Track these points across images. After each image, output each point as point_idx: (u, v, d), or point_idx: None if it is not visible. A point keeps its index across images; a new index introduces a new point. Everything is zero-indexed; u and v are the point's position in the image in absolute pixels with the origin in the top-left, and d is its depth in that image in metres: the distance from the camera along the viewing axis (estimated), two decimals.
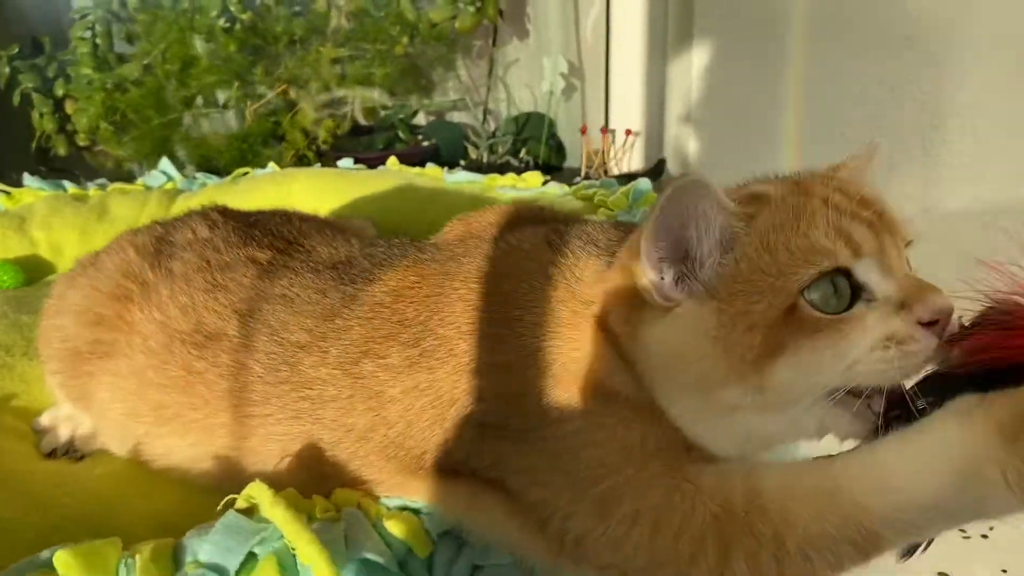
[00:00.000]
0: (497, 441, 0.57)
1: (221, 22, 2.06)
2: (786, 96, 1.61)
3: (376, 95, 2.09)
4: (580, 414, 0.55)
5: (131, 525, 0.65)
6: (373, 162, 1.53)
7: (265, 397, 0.66)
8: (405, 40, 2.06)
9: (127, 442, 0.75)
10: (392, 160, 1.51)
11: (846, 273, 0.51)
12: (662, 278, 0.53)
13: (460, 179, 1.38)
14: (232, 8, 2.06)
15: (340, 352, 0.64)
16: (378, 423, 0.61)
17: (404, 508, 0.59)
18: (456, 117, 2.42)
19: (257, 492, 0.56)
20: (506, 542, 0.58)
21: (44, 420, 0.84)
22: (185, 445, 0.71)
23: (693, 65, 1.62)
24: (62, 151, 2.14)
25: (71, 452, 0.81)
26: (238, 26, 2.07)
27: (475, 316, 0.60)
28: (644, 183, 1.18)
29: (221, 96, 2.13)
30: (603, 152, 1.97)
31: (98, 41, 2.08)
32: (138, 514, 0.67)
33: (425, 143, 2.24)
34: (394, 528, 0.57)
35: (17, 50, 2.09)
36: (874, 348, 0.50)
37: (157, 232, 0.82)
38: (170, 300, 0.73)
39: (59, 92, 2.10)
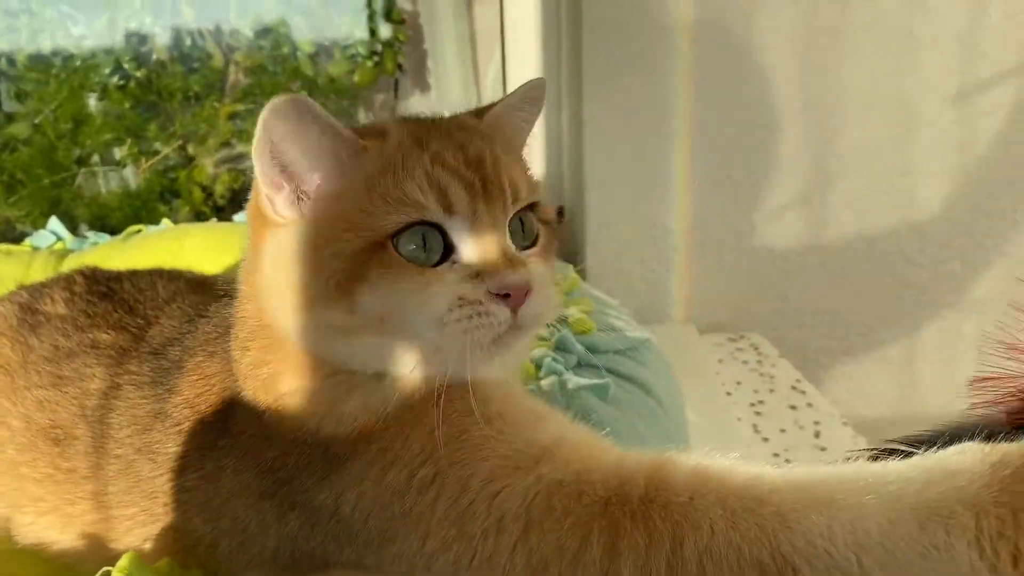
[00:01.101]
0: (316, 524, 0.54)
1: (115, 80, 2.03)
2: (675, 143, 1.67)
3: None
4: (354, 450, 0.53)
5: None
6: None
7: (124, 500, 0.63)
8: (303, 93, 2.06)
9: (16, 529, 0.71)
10: None
11: (439, 229, 0.52)
12: (279, 194, 0.54)
13: None
14: (126, 65, 2.04)
15: (166, 464, 0.61)
16: (219, 535, 0.58)
17: None
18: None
19: (129, 563, 0.54)
20: None
21: None
22: (68, 539, 0.67)
23: (584, 114, 1.67)
24: None
25: None
26: (132, 83, 2.05)
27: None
28: None
29: (116, 153, 2.09)
30: None
31: None
32: None
33: None
34: None
35: None
36: (451, 307, 0.51)
37: (22, 299, 0.79)
38: (28, 391, 0.70)
39: None
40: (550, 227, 0.60)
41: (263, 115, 0.51)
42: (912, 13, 1.60)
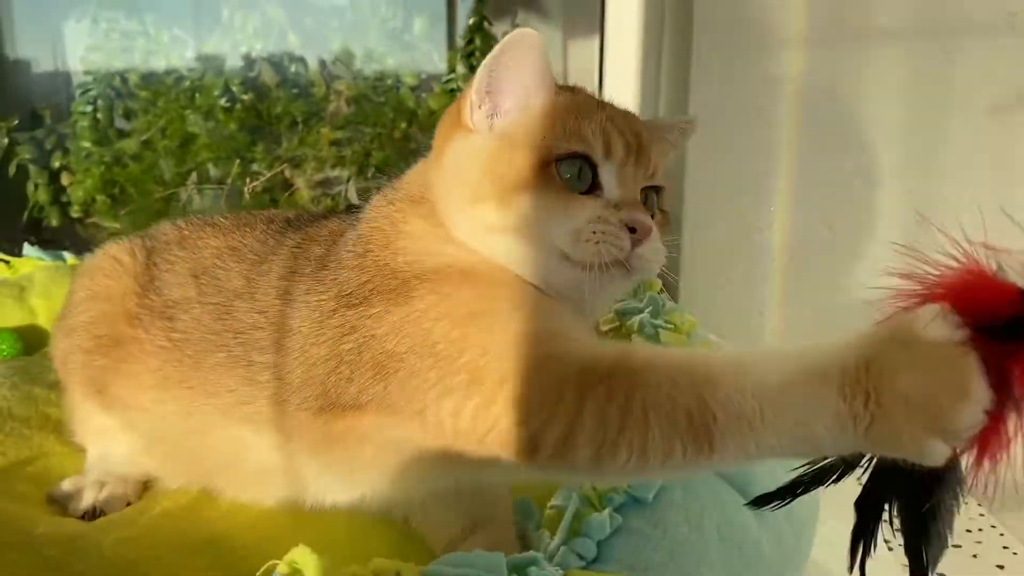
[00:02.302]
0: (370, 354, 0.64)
1: (222, 102, 2.10)
2: (776, 190, 1.67)
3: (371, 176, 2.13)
4: (421, 293, 0.64)
5: None
6: None
7: (216, 345, 0.76)
8: (403, 125, 2.11)
9: (127, 419, 0.83)
10: None
11: (593, 166, 0.65)
12: (480, 107, 0.68)
13: None
14: (234, 88, 2.11)
15: (261, 295, 0.75)
16: (293, 362, 0.69)
17: None
18: None
19: (300, 557, 0.56)
20: (414, 463, 0.66)
21: (66, 486, 0.84)
22: (172, 411, 0.79)
23: (686, 161, 1.69)
24: (55, 222, 2.14)
25: (97, 515, 0.80)
26: (239, 106, 2.11)
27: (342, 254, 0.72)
28: None
29: (219, 173, 2.15)
30: None
31: (99, 116, 2.11)
32: None
33: None
34: None
35: (17, 121, 2.11)
36: (589, 221, 0.63)
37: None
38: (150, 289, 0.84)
39: (55, 164, 2.12)
40: (667, 215, 0.73)
41: (511, 38, 0.64)
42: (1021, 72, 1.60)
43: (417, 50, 2.21)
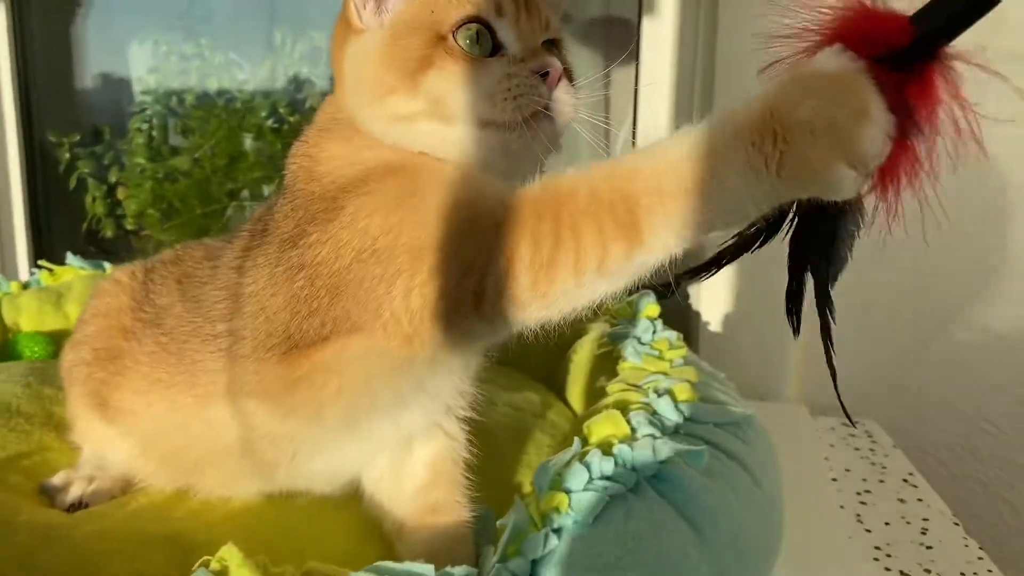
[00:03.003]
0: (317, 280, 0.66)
1: (269, 122, 2.18)
2: None
3: None
4: (349, 199, 0.65)
5: None
6: None
7: (190, 334, 0.81)
8: None
9: (124, 425, 0.88)
10: None
11: (489, 27, 0.66)
12: (365, 7, 0.69)
13: None
14: (281, 110, 2.19)
15: (221, 275, 0.80)
16: (255, 320, 0.72)
17: None
18: None
19: (228, 554, 0.59)
20: (378, 376, 0.68)
21: (56, 479, 0.89)
22: (161, 411, 0.83)
23: None
24: (110, 233, 2.25)
25: (82, 508, 0.85)
26: (286, 127, 2.19)
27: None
28: (646, 297, 1.22)
29: (265, 191, 2.23)
30: None
31: (154, 133, 2.22)
32: (117, 571, 0.70)
33: None
34: None
35: (79, 138, 2.23)
36: (500, 80, 0.65)
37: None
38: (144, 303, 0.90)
39: (112, 178, 2.23)
40: (569, 67, 0.74)
41: None
42: None
43: None
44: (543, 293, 0.58)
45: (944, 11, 0.47)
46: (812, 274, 0.59)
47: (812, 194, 0.51)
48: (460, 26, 0.66)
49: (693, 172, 0.52)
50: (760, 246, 0.59)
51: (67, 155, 2.22)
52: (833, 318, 0.58)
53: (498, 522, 0.76)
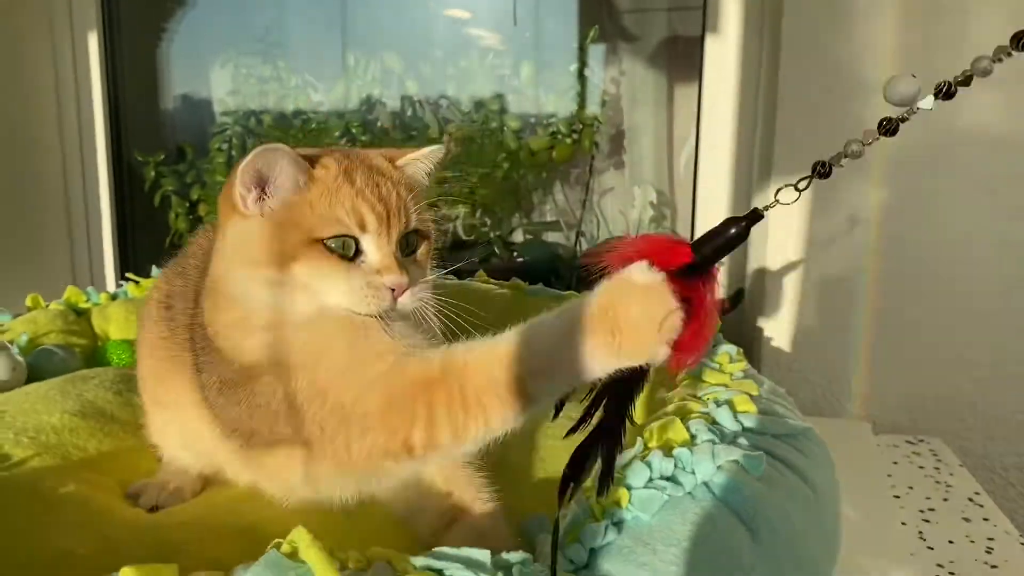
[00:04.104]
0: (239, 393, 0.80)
1: (343, 142, 2.26)
2: (865, 238, 1.65)
3: (477, 213, 2.23)
4: (256, 378, 0.79)
5: (190, 567, 0.73)
6: (463, 274, 1.64)
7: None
8: (506, 165, 2.21)
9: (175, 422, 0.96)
10: (480, 273, 1.62)
11: (354, 238, 0.77)
12: (248, 194, 0.78)
13: (539, 292, 1.48)
14: (354, 130, 2.27)
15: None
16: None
17: (428, 568, 0.65)
18: (551, 237, 2.54)
19: (297, 536, 0.64)
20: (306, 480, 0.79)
21: (133, 488, 0.95)
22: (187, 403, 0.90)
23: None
24: None
25: (160, 509, 0.91)
26: (358, 145, 2.27)
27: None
28: None
29: None
30: None
31: (233, 152, 2.32)
32: (196, 558, 0.75)
33: (519, 260, 2.36)
34: None
35: (163, 156, 2.34)
36: (360, 288, 0.77)
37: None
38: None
39: (194, 196, 2.34)
40: (428, 239, 0.86)
41: (254, 153, 0.76)
42: None
43: (522, 94, 2.31)
44: (461, 442, 0.72)
45: (707, 247, 0.70)
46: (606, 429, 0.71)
47: (639, 363, 0.67)
48: (329, 237, 0.77)
49: (560, 355, 0.68)
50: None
51: (152, 173, 2.34)
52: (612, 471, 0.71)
53: (557, 513, 0.79)
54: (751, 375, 1.09)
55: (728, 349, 1.16)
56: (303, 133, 2.29)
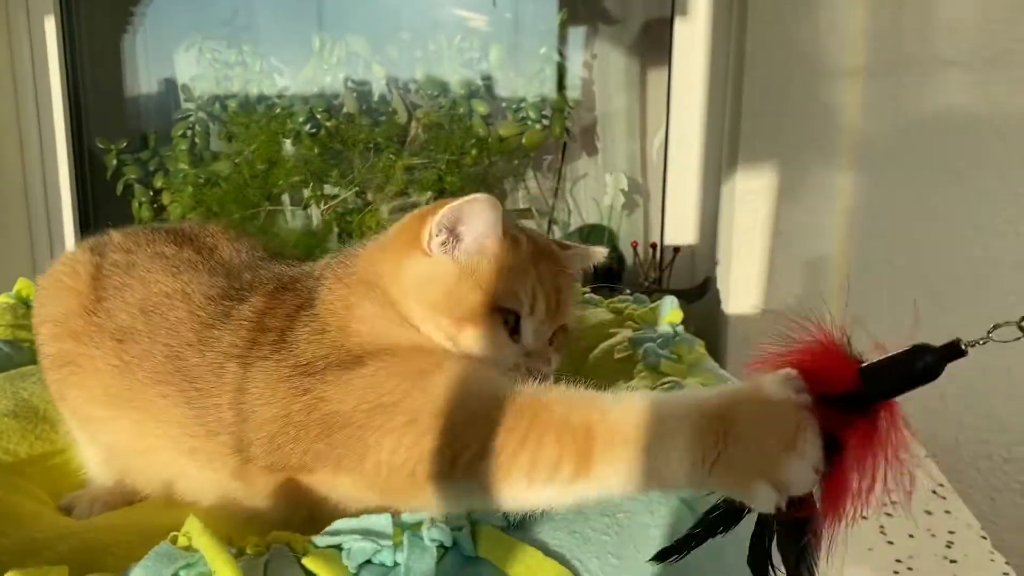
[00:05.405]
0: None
1: (307, 127, 2.22)
2: (832, 223, 1.63)
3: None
4: (373, 361, 0.73)
5: (118, 568, 0.71)
6: None
7: (166, 380, 0.81)
8: (474, 152, 2.18)
9: (88, 431, 0.91)
10: None
11: (518, 317, 0.80)
12: (437, 236, 0.79)
13: None
14: (318, 115, 2.23)
15: (213, 357, 0.80)
16: (241, 419, 0.76)
17: (328, 545, 0.63)
18: (523, 224, 2.51)
19: (190, 525, 0.62)
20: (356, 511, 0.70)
21: (64, 502, 0.92)
22: (124, 428, 0.85)
23: (736, 192, 1.66)
24: None
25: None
26: (322, 131, 2.23)
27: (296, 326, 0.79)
28: (668, 302, 1.21)
29: (300, 194, 2.27)
30: (647, 266, 2.03)
31: (197, 140, 2.27)
32: (125, 559, 0.71)
33: None
34: (312, 563, 0.61)
35: (125, 144, 2.29)
36: (513, 359, 0.80)
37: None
38: (101, 304, 0.89)
39: (157, 184, 2.29)
40: (567, 332, 0.88)
41: (468, 200, 0.77)
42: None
43: (490, 80, 2.27)
44: (498, 479, 0.63)
45: (885, 377, 0.53)
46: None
47: (733, 496, 0.56)
48: (504, 309, 0.80)
49: (646, 434, 0.58)
50: (725, 531, 0.59)
51: (114, 161, 2.29)
52: None
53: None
54: (708, 368, 1.06)
55: (687, 340, 1.13)
56: (267, 119, 2.24)
